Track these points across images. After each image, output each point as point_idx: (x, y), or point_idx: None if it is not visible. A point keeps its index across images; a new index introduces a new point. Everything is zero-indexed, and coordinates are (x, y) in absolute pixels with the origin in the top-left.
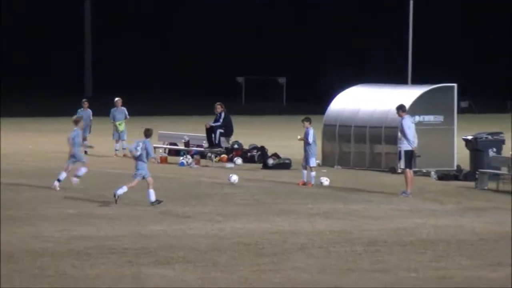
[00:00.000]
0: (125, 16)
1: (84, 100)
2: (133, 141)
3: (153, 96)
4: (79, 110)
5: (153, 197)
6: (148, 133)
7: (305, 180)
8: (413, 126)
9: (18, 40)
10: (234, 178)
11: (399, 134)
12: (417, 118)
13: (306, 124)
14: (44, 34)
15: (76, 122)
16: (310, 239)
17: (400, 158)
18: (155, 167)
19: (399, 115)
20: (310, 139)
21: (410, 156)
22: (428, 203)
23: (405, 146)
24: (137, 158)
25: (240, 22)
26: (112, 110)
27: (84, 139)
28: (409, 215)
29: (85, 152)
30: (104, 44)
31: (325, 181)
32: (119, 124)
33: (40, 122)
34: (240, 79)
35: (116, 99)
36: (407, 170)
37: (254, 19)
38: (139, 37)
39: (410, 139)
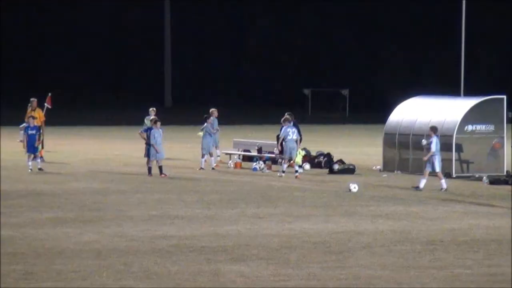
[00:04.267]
0: (201, 32)
1: (213, 109)
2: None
3: (227, 107)
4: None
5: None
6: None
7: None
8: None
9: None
10: (354, 186)
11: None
12: (470, 127)
13: (431, 133)
14: (123, 46)
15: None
16: (373, 239)
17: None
18: (230, 172)
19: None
20: (433, 148)
21: None
22: (481, 206)
23: None
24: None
25: (308, 37)
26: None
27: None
28: (463, 217)
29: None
30: (181, 56)
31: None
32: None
33: (122, 130)
34: (306, 91)
35: (212, 109)
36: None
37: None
38: (212, 51)
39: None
